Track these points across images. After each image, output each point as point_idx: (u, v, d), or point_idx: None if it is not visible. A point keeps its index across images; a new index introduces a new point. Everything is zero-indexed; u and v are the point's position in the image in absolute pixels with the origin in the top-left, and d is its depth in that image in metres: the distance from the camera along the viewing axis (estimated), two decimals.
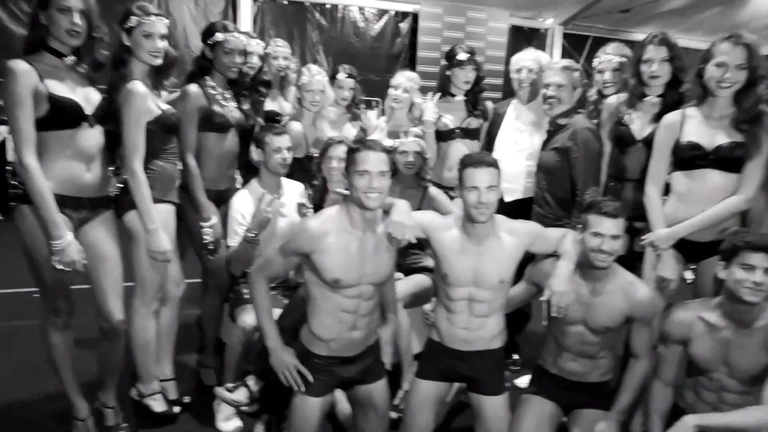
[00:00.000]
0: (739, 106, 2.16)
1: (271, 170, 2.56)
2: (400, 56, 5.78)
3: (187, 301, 2.66)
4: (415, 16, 5.71)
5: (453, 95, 3.07)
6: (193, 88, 2.44)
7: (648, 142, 2.39)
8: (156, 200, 2.21)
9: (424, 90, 3.12)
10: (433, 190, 2.72)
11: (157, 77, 2.29)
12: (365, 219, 1.98)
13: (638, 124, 2.48)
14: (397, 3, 5.66)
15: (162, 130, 2.25)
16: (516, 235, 2.11)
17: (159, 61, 2.21)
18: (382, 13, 5.68)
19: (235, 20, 5.31)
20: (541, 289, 2.17)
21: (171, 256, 2.26)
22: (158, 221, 2.19)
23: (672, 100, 2.39)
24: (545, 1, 5.95)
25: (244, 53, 2.57)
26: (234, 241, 2.49)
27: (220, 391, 2.28)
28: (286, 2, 5.43)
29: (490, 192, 2.00)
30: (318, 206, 2.63)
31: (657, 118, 2.38)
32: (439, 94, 3.05)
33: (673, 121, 2.28)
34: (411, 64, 5.74)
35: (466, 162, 2.07)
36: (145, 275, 2.26)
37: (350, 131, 3.15)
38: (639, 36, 6.72)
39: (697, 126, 2.23)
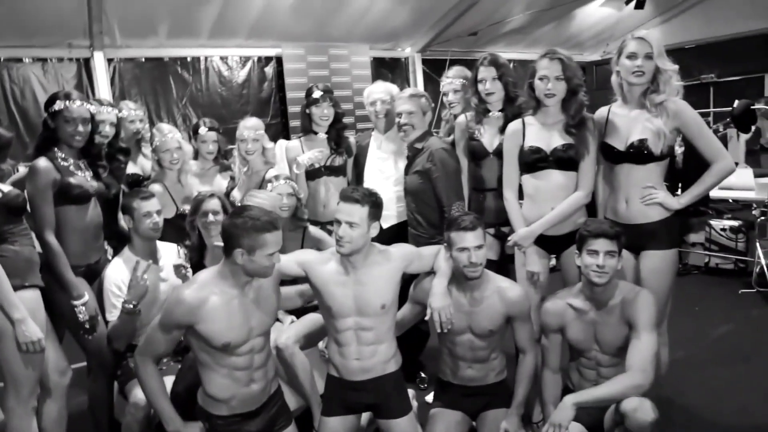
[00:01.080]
0: (566, 113, 2.43)
1: (142, 236, 2.48)
2: (270, 100, 5.82)
3: (72, 388, 2.47)
4: (279, 59, 5.79)
5: (316, 133, 3.16)
6: (42, 162, 2.30)
7: (498, 153, 2.62)
8: (16, 288, 2.05)
9: (295, 129, 3.18)
10: (313, 229, 2.77)
11: None
12: (249, 279, 1.98)
13: (488, 138, 2.71)
14: (258, 48, 5.70)
15: (7, 213, 2.10)
16: (391, 260, 2.20)
17: None
18: (246, 59, 5.69)
19: (91, 84, 5.07)
20: (425, 307, 2.28)
21: (45, 344, 2.11)
22: (24, 310, 2.03)
23: (511, 112, 2.64)
24: (400, 32, 6.29)
25: (90, 121, 2.44)
26: (113, 315, 2.37)
27: None
28: (143, 60, 5.29)
29: (348, 228, 2.07)
30: (198, 264, 2.58)
31: (503, 130, 2.61)
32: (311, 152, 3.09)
33: (516, 129, 2.52)
34: (282, 105, 5.80)
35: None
36: (16, 372, 2.07)
37: (221, 183, 3.14)
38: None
39: (536, 132, 2.48)
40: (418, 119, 2.83)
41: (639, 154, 2.33)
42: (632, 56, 2.29)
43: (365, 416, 2.42)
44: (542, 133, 2.47)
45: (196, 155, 3.18)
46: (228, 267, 1.96)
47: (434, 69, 6.83)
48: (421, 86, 6.67)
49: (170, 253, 2.62)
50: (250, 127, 3.07)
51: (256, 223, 1.89)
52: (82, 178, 2.42)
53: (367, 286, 2.14)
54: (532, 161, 2.46)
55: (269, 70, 5.82)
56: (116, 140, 2.86)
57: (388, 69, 6.57)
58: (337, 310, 2.14)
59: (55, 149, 2.39)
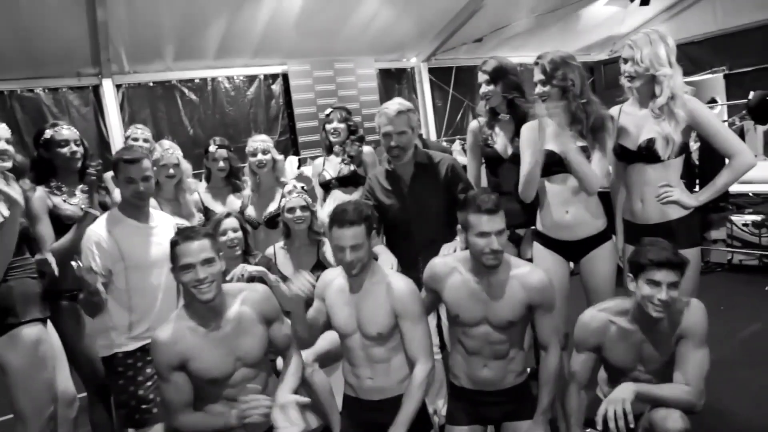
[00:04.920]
0: (567, 114, 2.37)
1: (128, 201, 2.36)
2: (278, 117, 5.85)
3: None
4: (285, 76, 5.82)
5: (332, 148, 3.19)
6: (39, 192, 2.38)
7: (514, 158, 2.57)
8: (13, 325, 2.07)
9: (304, 144, 3.19)
10: (328, 246, 2.74)
11: None
12: (209, 308, 1.92)
13: (501, 144, 2.68)
14: (264, 67, 5.75)
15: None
16: (389, 292, 2.08)
17: None
18: (252, 78, 5.74)
19: (101, 110, 5.15)
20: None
21: (55, 375, 2.10)
22: None
23: (518, 116, 2.60)
24: (405, 42, 6.30)
25: (81, 143, 2.54)
26: None
27: None
28: (151, 84, 5.35)
29: (353, 251, 2.00)
30: None
31: (515, 134, 2.57)
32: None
33: (533, 127, 2.45)
34: (290, 121, 5.82)
35: (333, 220, 2.03)
36: (23, 407, 2.05)
37: (234, 203, 3.14)
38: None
39: (551, 135, 2.42)
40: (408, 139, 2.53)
41: (650, 154, 2.28)
42: (624, 60, 2.29)
43: None
44: (557, 137, 2.41)
45: (209, 176, 3.19)
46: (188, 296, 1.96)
47: (441, 77, 6.84)
48: (428, 95, 6.67)
49: (165, 219, 2.48)
50: (258, 140, 3.11)
51: (172, 238, 1.92)
52: (75, 207, 2.44)
53: (363, 311, 2.08)
54: (547, 164, 2.40)
55: (276, 87, 5.86)
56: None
57: (395, 80, 6.59)
58: (343, 330, 2.11)
59: (52, 181, 2.45)
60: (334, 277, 2.16)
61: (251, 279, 2.46)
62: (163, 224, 2.39)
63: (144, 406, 2.19)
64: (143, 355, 2.21)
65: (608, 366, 2.15)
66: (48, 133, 2.43)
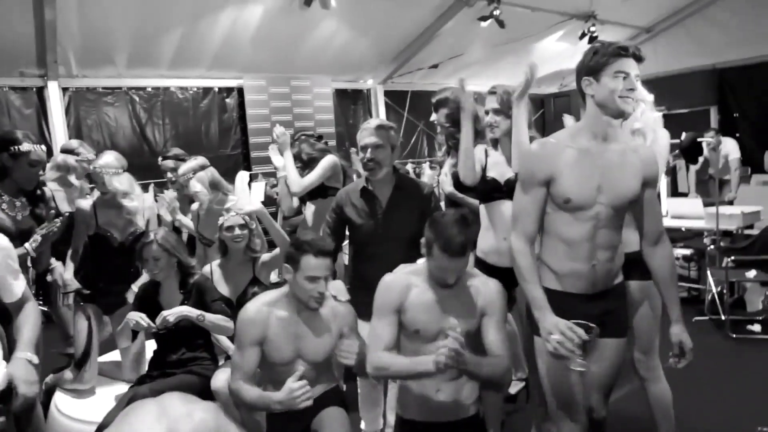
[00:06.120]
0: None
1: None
2: (231, 131, 5.80)
3: None
4: (240, 90, 5.79)
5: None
6: None
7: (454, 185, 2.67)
8: None
9: (256, 160, 3.19)
10: (266, 255, 2.74)
11: None
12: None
13: (445, 169, 2.79)
14: (219, 80, 5.69)
15: None
16: (335, 318, 2.12)
17: None
18: (207, 90, 5.68)
19: (45, 113, 4.97)
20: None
21: None
22: None
23: (456, 146, 2.68)
24: (362, 64, 6.39)
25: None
26: None
27: None
28: (100, 90, 5.21)
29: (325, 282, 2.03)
30: (152, 298, 2.53)
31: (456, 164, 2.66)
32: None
33: (478, 157, 2.51)
34: (243, 136, 5.77)
35: (306, 249, 1.98)
36: None
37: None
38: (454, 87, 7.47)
39: (493, 162, 2.49)
40: (385, 154, 2.45)
41: None
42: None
43: None
44: (499, 164, 2.48)
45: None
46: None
47: (396, 100, 6.95)
48: (383, 117, 6.76)
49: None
50: (180, 173, 3.10)
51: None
52: (12, 217, 2.39)
53: (310, 338, 2.06)
54: (487, 191, 2.46)
55: (231, 101, 5.81)
56: None
57: (351, 100, 6.65)
58: (281, 361, 2.05)
59: None
60: (269, 313, 2.06)
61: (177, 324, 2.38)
62: None
63: None
64: None
65: (559, 203, 1.81)
66: (25, 147, 2.39)
